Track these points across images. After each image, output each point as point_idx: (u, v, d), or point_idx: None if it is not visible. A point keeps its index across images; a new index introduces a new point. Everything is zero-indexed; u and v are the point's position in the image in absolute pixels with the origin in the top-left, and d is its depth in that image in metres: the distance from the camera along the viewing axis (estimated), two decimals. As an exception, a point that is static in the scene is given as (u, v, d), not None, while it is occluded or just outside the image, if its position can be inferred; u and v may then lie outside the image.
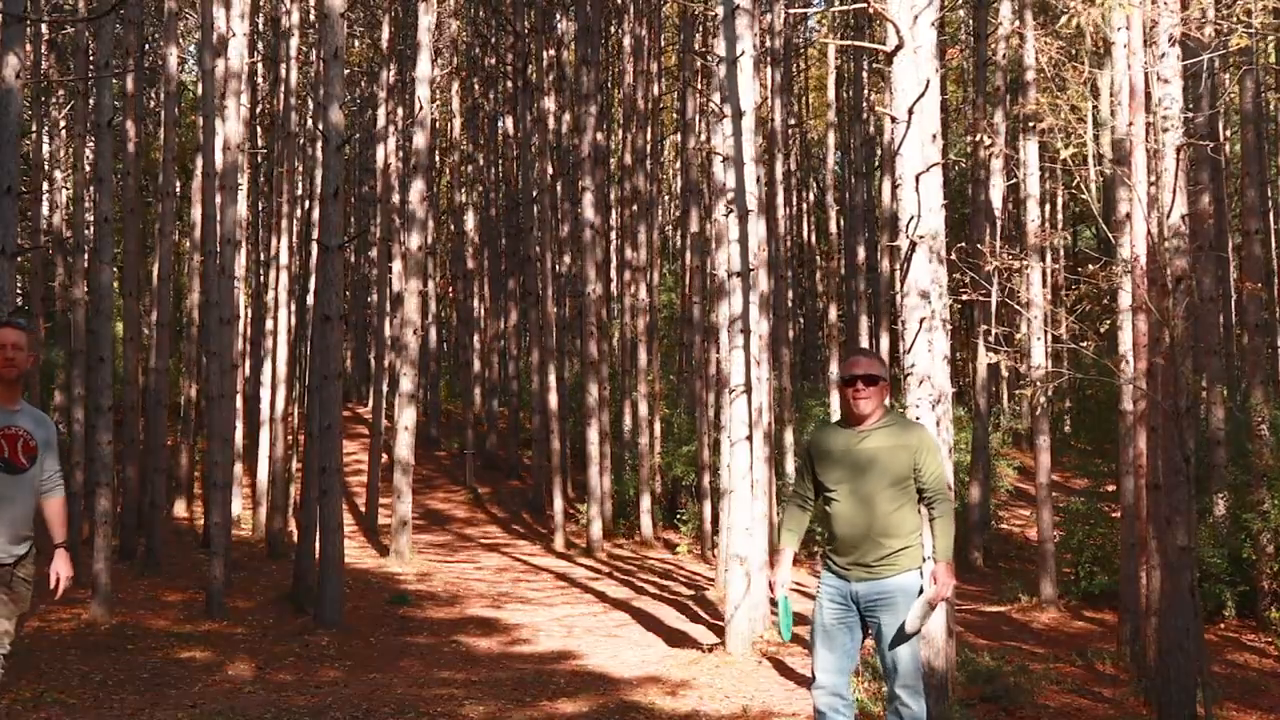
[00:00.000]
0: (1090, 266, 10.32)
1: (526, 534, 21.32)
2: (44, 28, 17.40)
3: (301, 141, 22.70)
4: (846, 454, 5.02)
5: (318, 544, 12.50)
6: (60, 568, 5.22)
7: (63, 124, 21.56)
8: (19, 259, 12.04)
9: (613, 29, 27.25)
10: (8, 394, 5.08)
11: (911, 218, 8.00)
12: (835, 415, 20.33)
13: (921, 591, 4.96)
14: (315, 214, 20.68)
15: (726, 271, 11.62)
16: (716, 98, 12.28)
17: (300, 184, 22.69)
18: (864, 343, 21.97)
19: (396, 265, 22.92)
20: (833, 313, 22.33)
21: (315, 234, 18.27)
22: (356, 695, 8.67)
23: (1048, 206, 29.30)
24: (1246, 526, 14.81)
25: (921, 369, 7.87)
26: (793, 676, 10.08)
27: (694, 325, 20.92)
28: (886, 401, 5.15)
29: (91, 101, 18.06)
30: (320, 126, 14.47)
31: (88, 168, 20.18)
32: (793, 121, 27.97)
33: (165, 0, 16.65)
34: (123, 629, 11.37)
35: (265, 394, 19.48)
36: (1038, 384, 14.64)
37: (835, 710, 5.08)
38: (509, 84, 28.26)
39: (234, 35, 14.65)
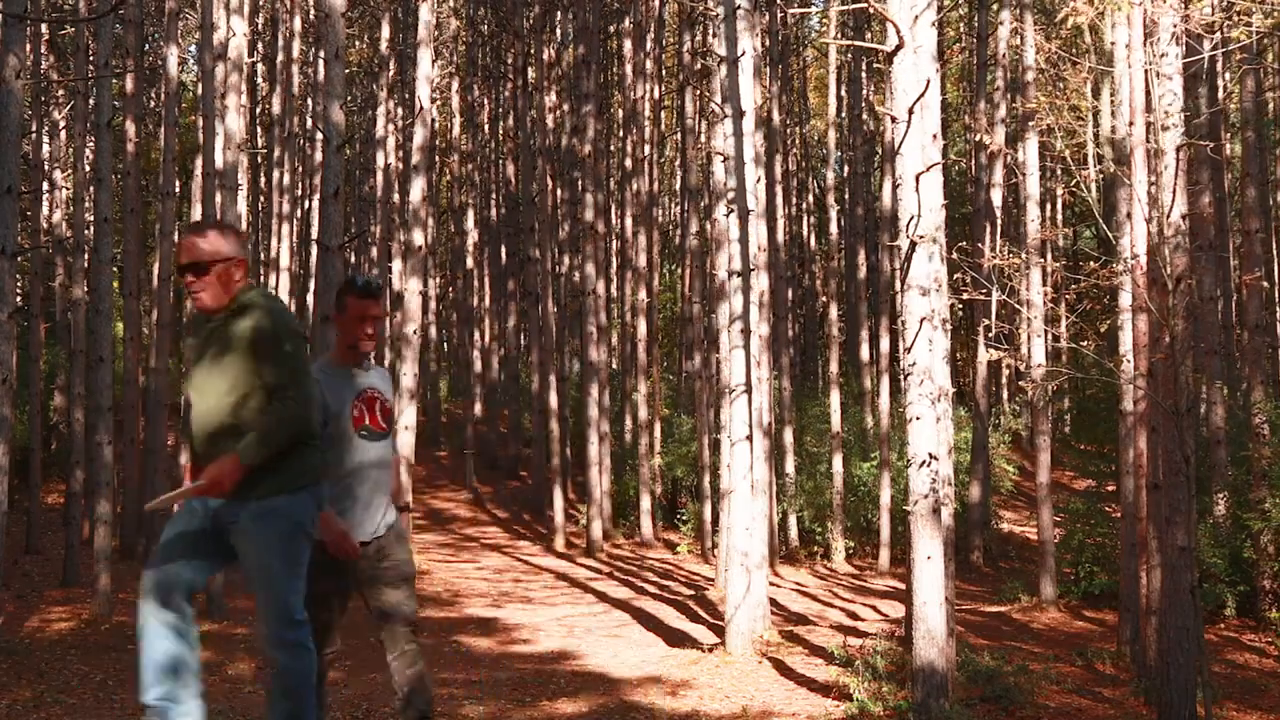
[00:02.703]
0: (1091, 265, 10.30)
1: (527, 534, 21.32)
2: (44, 28, 17.39)
3: (301, 141, 22.70)
4: None
5: (318, 544, 12.48)
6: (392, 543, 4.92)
7: (63, 124, 21.56)
8: (19, 259, 12.04)
9: (612, 29, 27.24)
10: (357, 355, 4.76)
11: (912, 217, 8.00)
12: (835, 414, 20.42)
13: None
14: (315, 214, 20.68)
15: (727, 272, 11.62)
16: (717, 98, 12.28)
17: (300, 184, 22.69)
18: (864, 343, 21.97)
19: (396, 265, 22.92)
20: (833, 313, 22.32)
21: (315, 234, 18.26)
22: (356, 695, 8.67)
23: (1048, 206, 29.32)
24: (1247, 526, 14.81)
25: (922, 368, 7.87)
26: (793, 676, 10.08)
27: (694, 325, 20.91)
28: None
29: (91, 101, 18.06)
30: (320, 126, 14.46)
31: (88, 168, 20.18)
32: (793, 122, 27.98)
33: (165, 0, 16.65)
34: (123, 629, 11.36)
35: (265, 394, 19.45)
36: (1038, 383, 14.65)
37: None
38: (509, 84, 28.26)
39: (234, 35, 14.64)
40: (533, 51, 25.31)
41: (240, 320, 3.95)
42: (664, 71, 28.54)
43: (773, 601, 13.25)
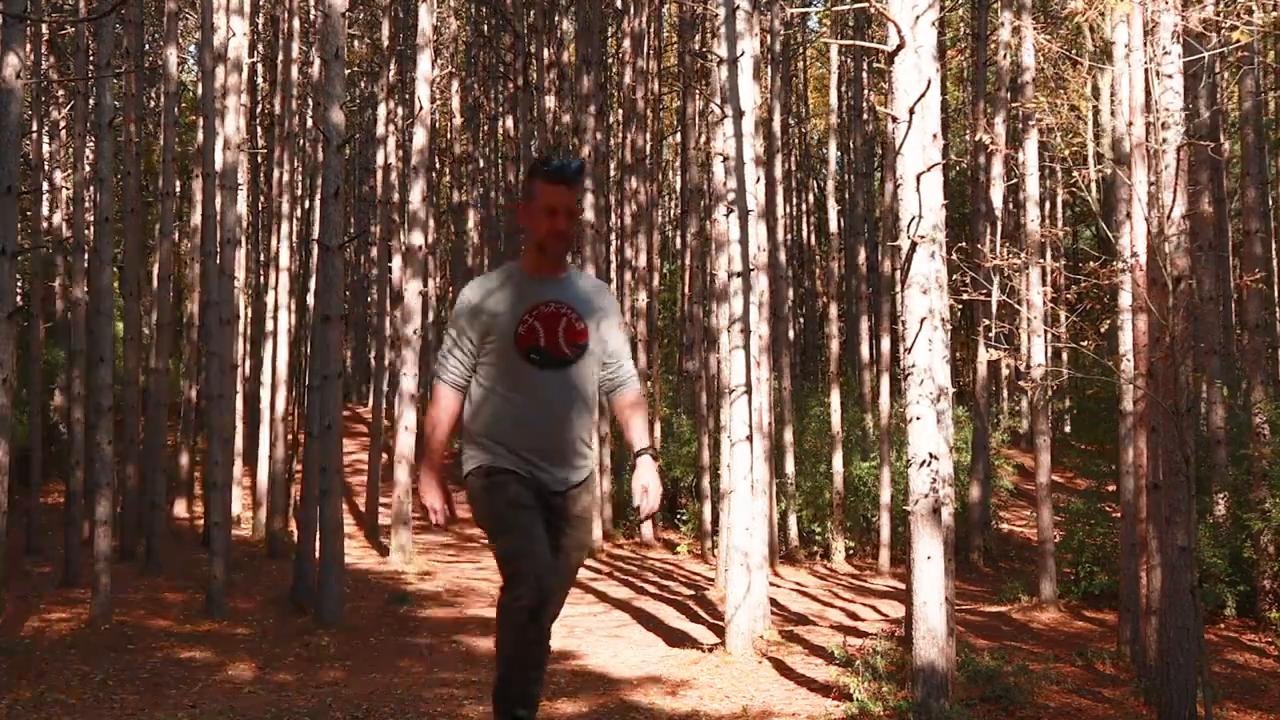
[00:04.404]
0: (1091, 265, 10.31)
1: (527, 534, 21.29)
2: (44, 28, 17.39)
3: (301, 141, 22.70)
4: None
5: (318, 544, 12.50)
6: (647, 479, 3.82)
7: (63, 124, 21.56)
8: (19, 259, 12.04)
9: (612, 29, 27.24)
10: (550, 261, 3.85)
11: (912, 218, 8.01)
12: (835, 414, 20.42)
13: None
14: (315, 214, 20.68)
15: (727, 272, 11.62)
16: (717, 98, 12.28)
17: (300, 184, 22.68)
18: (864, 343, 21.96)
19: (396, 265, 22.91)
20: (833, 312, 22.32)
21: (315, 234, 18.26)
22: (357, 695, 8.67)
23: (1048, 205, 29.31)
24: (1247, 526, 14.81)
25: (922, 367, 7.87)
26: (793, 676, 10.08)
27: (694, 326, 20.90)
28: None
29: (91, 101, 18.06)
30: (320, 126, 14.47)
31: (88, 168, 20.18)
32: (793, 122, 27.98)
33: (165, 0, 16.65)
34: (123, 629, 11.36)
35: (265, 394, 19.48)
36: (1037, 383, 14.64)
37: None
38: (509, 83, 28.25)
39: (234, 35, 14.65)
40: (533, 51, 25.30)
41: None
42: (664, 72, 28.54)
43: (773, 601, 13.25)
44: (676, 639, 12.02)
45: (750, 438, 11.17)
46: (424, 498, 3.83)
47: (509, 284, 3.81)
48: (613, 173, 26.68)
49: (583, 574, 16.97)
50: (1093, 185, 21.99)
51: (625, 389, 3.96)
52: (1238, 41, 9.79)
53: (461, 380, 3.83)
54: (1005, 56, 18.17)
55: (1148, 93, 9.66)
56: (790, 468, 20.22)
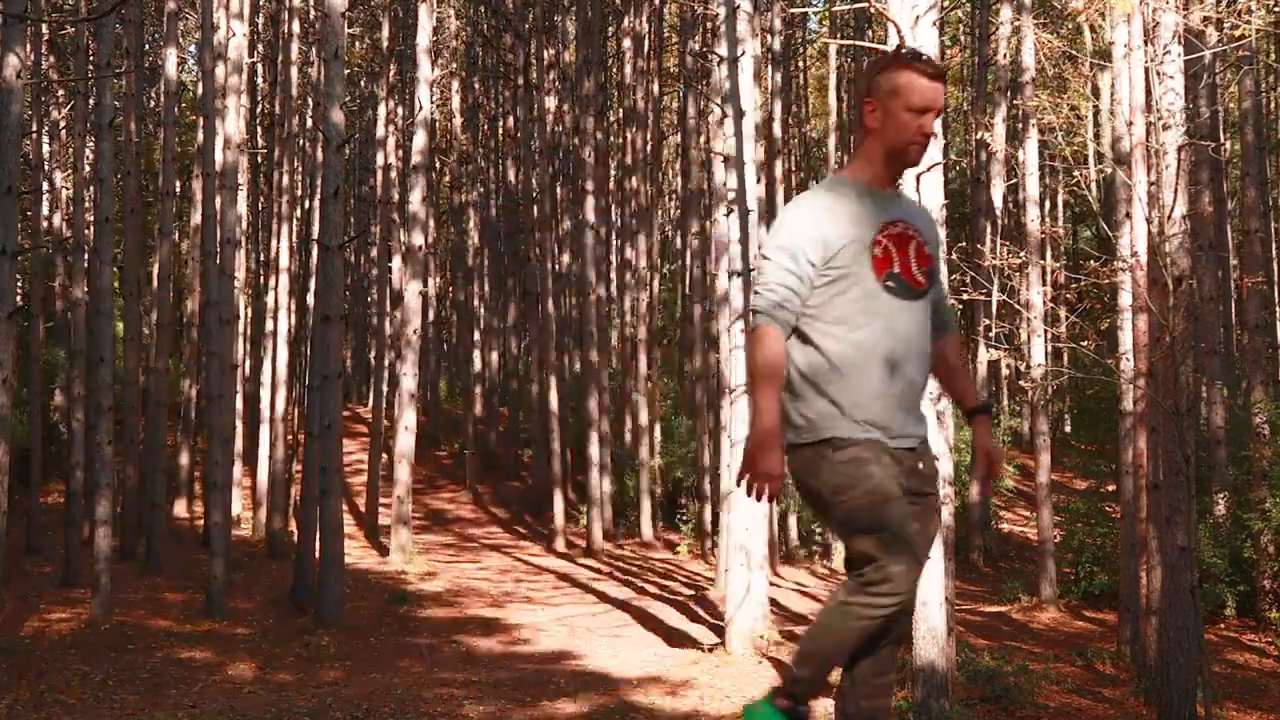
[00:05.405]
0: (1091, 264, 10.31)
1: (528, 534, 21.32)
2: (44, 28, 17.40)
3: (301, 141, 22.70)
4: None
5: (318, 544, 12.50)
6: (990, 442, 3.29)
7: (63, 124, 21.56)
8: (19, 259, 12.04)
9: (612, 29, 27.24)
10: (893, 173, 3.19)
11: (912, 217, 7.99)
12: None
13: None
14: (315, 214, 20.68)
15: (727, 273, 11.62)
16: (717, 98, 12.28)
17: (300, 184, 22.69)
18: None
19: (396, 265, 22.94)
20: (833, 313, 22.27)
21: (315, 234, 18.26)
22: (357, 695, 8.67)
23: (1047, 205, 29.30)
24: (1247, 526, 14.81)
25: (922, 368, 7.86)
26: (793, 676, 10.07)
27: (694, 326, 20.90)
28: None
29: (91, 101, 18.06)
30: (320, 126, 14.47)
31: (88, 168, 20.18)
32: (793, 122, 27.96)
33: (165, 0, 16.65)
34: (123, 629, 11.36)
35: (265, 394, 19.47)
36: (1038, 382, 14.64)
37: None
38: (509, 83, 28.26)
39: (234, 35, 14.65)
40: (534, 51, 25.31)
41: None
42: (664, 72, 28.53)
43: (773, 601, 13.25)
44: (677, 639, 12.02)
45: (750, 438, 11.16)
46: (762, 465, 2.91)
47: (848, 198, 3.08)
48: (613, 173, 26.68)
49: (583, 574, 17.00)
50: (1093, 185, 21.99)
51: (952, 331, 3.36)
52: (1241, 39, 9.79)
53: (793, 318, 3.01)
54: (1005, 55, 18.19)
55: (1148, 92, 9.66)
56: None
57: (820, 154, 32.74)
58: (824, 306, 3.02)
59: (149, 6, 22.33)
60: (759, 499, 2.94)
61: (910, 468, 3.07)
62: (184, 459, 19.69)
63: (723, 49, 11.69)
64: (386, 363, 23.56)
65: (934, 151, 8.32)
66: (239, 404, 19.35)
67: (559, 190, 24.72)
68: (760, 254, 3.16)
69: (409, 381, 17.45)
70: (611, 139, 27.15)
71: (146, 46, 23.16)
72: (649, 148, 25.02)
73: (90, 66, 17.73)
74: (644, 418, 21.22)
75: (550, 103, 23.54)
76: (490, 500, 24.17)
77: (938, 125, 9.19)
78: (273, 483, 17.48)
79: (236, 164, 14.51)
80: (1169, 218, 8.89)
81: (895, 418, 3.05)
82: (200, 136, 16.94)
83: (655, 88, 25.84)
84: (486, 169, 30.96)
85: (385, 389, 22.94)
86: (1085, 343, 12.69)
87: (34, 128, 18.90)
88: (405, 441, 17.29)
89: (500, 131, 30.52)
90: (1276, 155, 26.37)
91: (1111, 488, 17.58)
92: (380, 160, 22.30)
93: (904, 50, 3.16)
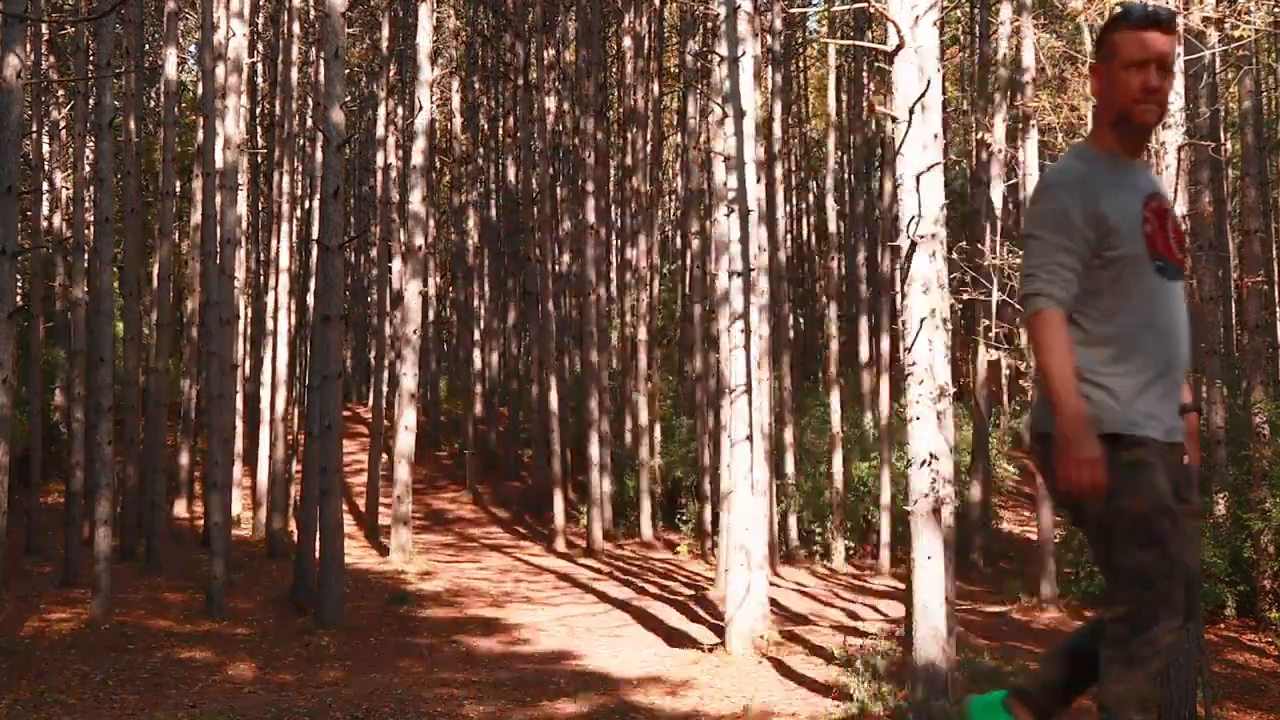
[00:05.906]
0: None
1: (528, 534, 21.32)
2: (44, 28, 17.40)
3: (301, 141, 22.69)
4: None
5: (318, 544, 12.50)
6: (1191, 442, 2.95)
7: (63, 124, 21.56)
8: (19, 259, 12.04)
9: (612, 29, 27.24)
10: (1136, 141, 2.89)
11: (912, 217, 8.00)
12: (835, 414, 20.40)
13: None
14: (315, 214, 20.68)
15: (727, 272, 11.62)
16: (718, 98, 12.28)
17: (300, 184, 22.68)
18: (864, 343, 21.94)
19: (396, 265, 22.94)
20: (833, 312, 22.31)
21: (315, 234, 18.26)
22: (357, 695, 8.67)
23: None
24: (1247, 526, 14.81)
25: (922, 367, 7.87)
26: (793, 676, 10.08)
27: (694, 326, 20.90)
28: None
29: (91, 101, 18.06)
30: (320, 127, 14.47)
31: (88, 168, 20.18)
32: (793, 122, 27.97)
33: (165, 0, 16.65)
34: (123, 629, 11.36)
35: (265, 394, 19.47)
36: (1038, 381, 14.62)
37: None
38: (509, 83, 28.26)
39: (234, 35, 14.65)
40: (534, 51, 25.30)
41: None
42: (664, 72, 28.54)
43: (773, 601, 13.25)
44: (677, 639, 12.02)
45: (750, 438, 11.17)
46: (1079, 452, 2.60)
47: (1105, 172, 2.81)
48: (613, 173, 26.69)
49: (583, 574, 17.00)
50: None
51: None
52: (1241, 39, 9.79)
53: (1072, 301, 2.75)
54: (1005, 55, 18.18)
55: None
56: (790, 468, 20.21)
57: (820, 154, 32.74)
58: (1097, 287, 2.78)
59: (149, 6, 22.33)
60: (1080, 495, 2.62)
61: (1176, 463, 2.82)
62: (184, 459, 19.69)
63: (723, 49, 11.69)
64: (386, 363, 23.56)
65: (934, 151, 8.32)
66: (239, 404, 19.36)
67: (559, 190, 24.73)
68: (1027, 231, 2.85)
69: (409, 381, 17.45)
70: (612, 139, 27.16)
71: (146, 46, 23.16)
72: (649, 148, 25.01)
73: (90, 66, 17.73)
74: (644, 418, 21.22)
75: (550, 103, 23.53)
76: (490, 500, 24.17)
77: (938, 125, 8.92)
78: (273, 483, 17.48)
79: (236, 164, 14.50)
80: (1169, 218, 8.87)
81: (1170, 410, 2.79)
82: (200, 136, 16.94)
83: (655, 88, 25.84)
84: (486, 169, 30.96)
85: (385, 389, 22.95)
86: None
87: (34, 128, 18.90)
88: (405, 441, 17.29)
89: (500, 131, 30.52)
90: (1276, 155, 26.38)
91: (1111, 488, 17.54)
92: (380, 160, 22.31)
93: (1123, 12, 2.83)
